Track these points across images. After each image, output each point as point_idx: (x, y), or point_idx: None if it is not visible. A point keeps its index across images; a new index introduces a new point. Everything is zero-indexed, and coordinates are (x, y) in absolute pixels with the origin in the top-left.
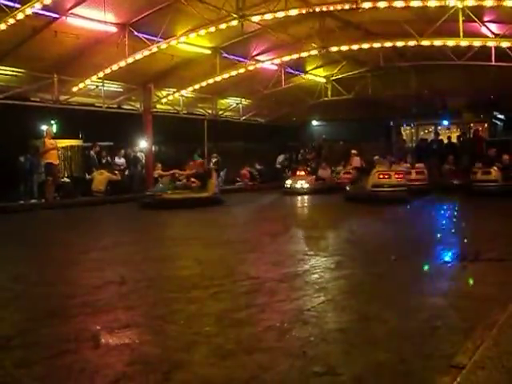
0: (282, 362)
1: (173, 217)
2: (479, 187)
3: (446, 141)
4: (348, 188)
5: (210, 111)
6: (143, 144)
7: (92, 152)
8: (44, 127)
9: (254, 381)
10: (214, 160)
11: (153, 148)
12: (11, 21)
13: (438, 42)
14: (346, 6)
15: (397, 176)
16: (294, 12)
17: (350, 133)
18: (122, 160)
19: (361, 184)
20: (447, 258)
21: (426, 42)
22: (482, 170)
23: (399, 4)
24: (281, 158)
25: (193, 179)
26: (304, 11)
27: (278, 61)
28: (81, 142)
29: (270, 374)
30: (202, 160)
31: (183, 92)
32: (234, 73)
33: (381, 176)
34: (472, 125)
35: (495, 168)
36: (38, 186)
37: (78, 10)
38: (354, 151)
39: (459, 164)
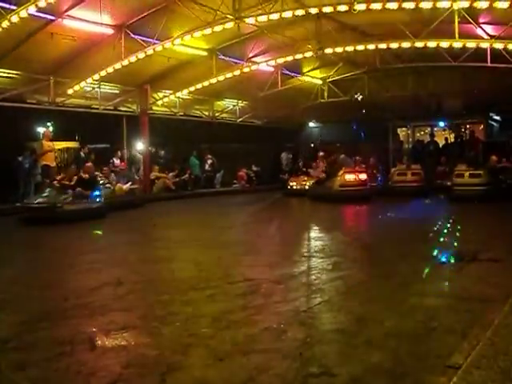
0: (279, 363)
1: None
2: (463, 191)
3: (443, 142)
4: (308, 188)
5: (206, 113)
6: (140, 146)
7: (82, 153)
8: (41, 129)
9: (250, 382)
10: (209, 162)
11: (149, 149)
12: (7, 23)
13: (433, 44)
14: (341, 8)
15: (360, 176)
16: (289, 14)
17: (346, 134)
18: (119, 161)
19: (327, 184)
20: (444, 259)
21: (421, 44)
22: (469, 171)
23: (393, 6)
24: (284, 155)
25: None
26: (300, 13)
27: (274, 62)
28: (77, 144)
29: (266, 375)
30: (90, 164)
31: (179, 94)
32: (230, 75)
33: (347, 176)
34: (468, 126)
35: (485, 170)
36: (35, 188)
37: (74, 12)
38: (321, 153)
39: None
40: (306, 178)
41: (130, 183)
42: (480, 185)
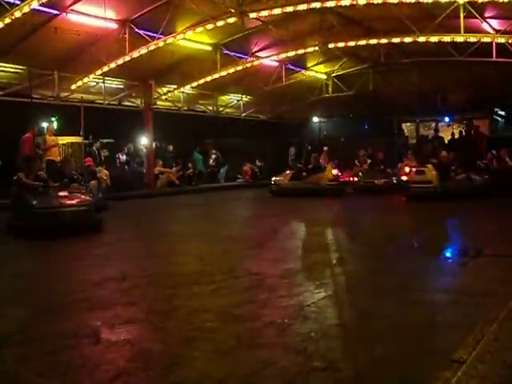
0: (283, 357)
1: None
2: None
3: (449, 137)
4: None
5: (210, 108)
6: (144, 140)
7: (94, 148)
8: (45, 124)
9: (254, 376)
10: (213, 157)
11: (153, 145)
12: (11, 18)
13: (438, 38)
14: (345, 2)
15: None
16: (294, 8)
17: (351, 129)
18: (125, 157)
19: (310, 180)
20: (448, 254)
21: (426, 39)
22: (416, 168)
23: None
24: (292, 150)
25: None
26: (304, 7)
27: (278, 57)
28: (81, 139)
29: (270, 369)
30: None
31: (184, 89)
32: (234, 69)
33: (334, 171)
34: (473, 121)
35: (430, 166)
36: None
37: (78, 7)
38: (325, 148)
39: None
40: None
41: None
42: (425, 182)
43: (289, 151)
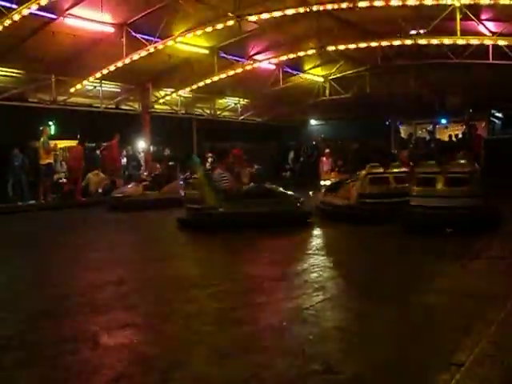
0: (281, 360)
1: None
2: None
3: (446, 139)
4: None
5: (208, 111)
6: (141, 144)
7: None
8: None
9: (252, 380)
10: (209, 160)
11: (151, 148)
12: (8, 22)
13: (435, 41)
14: (343, 5)
15: None
16: (291, 11)
17: (348, 132)
18: (125, 160)
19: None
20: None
21: (423, 41)
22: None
23: (395, 2)
24: (292, 154)
25: None
26: (301, 10)
27: (275, 60)
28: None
29: (268, 372)
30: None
31: (181, 92)
32: (231, 73)
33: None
34: (470, 123)
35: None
36: (29, 187)
37: (75, 11)
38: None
39: None
40: None
41: None
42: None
43: (288, 155)
